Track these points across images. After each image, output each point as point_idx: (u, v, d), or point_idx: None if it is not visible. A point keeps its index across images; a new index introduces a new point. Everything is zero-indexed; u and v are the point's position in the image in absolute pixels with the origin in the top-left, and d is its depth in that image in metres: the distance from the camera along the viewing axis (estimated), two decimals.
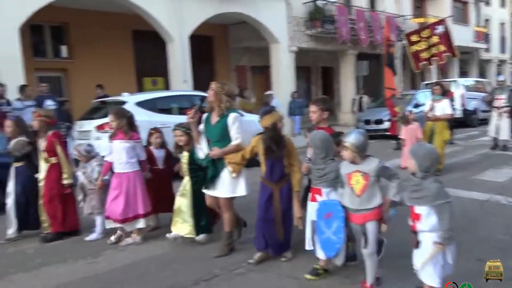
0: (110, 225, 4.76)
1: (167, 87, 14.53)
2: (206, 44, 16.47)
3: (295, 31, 16.11)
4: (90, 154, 5.04)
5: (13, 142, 5.07)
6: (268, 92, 14.01)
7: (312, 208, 3.68)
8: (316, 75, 21.72)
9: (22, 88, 8.77)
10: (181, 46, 12.66)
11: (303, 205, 3.94)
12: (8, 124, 5.16)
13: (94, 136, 7.63)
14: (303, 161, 4.06)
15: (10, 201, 5.11)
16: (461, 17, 25.77)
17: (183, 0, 12.47)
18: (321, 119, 4.10)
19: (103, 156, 5.04)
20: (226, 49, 17.55)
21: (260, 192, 4.04)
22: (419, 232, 2.91)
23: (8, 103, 8.59)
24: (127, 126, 4.69)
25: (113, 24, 13.52)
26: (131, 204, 4.67)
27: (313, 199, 3.70)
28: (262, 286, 3.63)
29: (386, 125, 13.65)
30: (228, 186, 4.14)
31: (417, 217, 2.90)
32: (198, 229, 4.57)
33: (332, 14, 16.56)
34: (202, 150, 4.29)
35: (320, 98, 4.50)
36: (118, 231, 4.85)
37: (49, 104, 9.09)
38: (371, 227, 3.28)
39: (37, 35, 12.77)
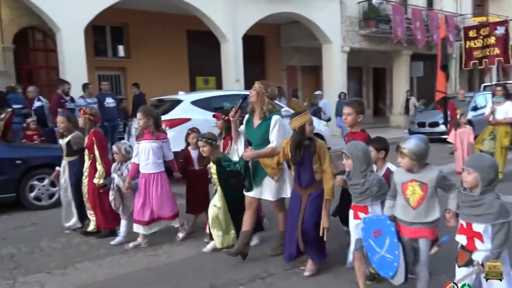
0: (138, 229, 4.66)
1: (218, 86, 14.82)
2: (258, 44, 16.60)
3: (348, 31, 15.89)
4: (128, 155, 4.88)
5: (72, 136, 5.13)
6: (316, 92, 13.90)
7: (355, 226, 3.42)
8: (368, 76, 21.32)
9: (85, 86, 9.24)
10: (234, 46, 12.85)
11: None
12: (60, 119, 5.20)
13: None
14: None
15: (67, 194, 5.23)
16: None
17: (238, 1, 12.65)
18: (356, 122, 3.89)
19: None
20: (277, 49, 17.60)
21: (291, 197, 3.92)
22: (476, 251, 2.69)
23: (72, 100, 9.10)
24: (153, 126, 4.61)
25: (169, 24, 13.94)
26: (156, 206, 4.61)
27: (356, 217, 3.44)
28: (318, 287, 3.64)
29: (442, 128, 13.18)
30: (273, 188, 4.03)
31: (475, 234, 2.68)
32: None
33: (387, 13, 16.18)
34: (238, 151, 4.16)
35: (355, 100, 4.26)
36: (138, 238, 4.76)
37: (109, 101, 9.52)
38: (424, 245, 3.02)
39: (99, 35, 13.41)
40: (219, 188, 4.44)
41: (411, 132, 14.59)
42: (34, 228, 5.54)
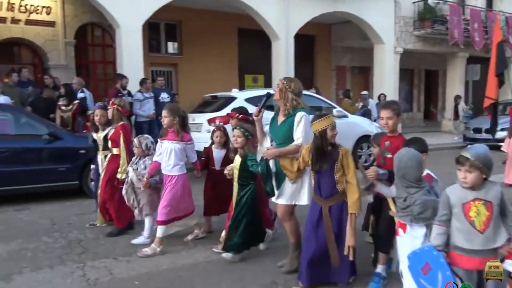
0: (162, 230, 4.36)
1: (266, 84, 14.85)
2: (308, 43, 16.50)
3: (402, 31, 15.49)
4: (148, 151, 4.68)
5: (110, 129, 4.96)
6: (363, 93, 13.51)
7: (399, 243, 3.12)
8: (419, 78, 20.72)
9: (143, 81, 9.51)
10: (286, 45, 12.81)
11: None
12: (99, 113, 5.07)
13: (205, 128, 8.01)
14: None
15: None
16: None
17: (290, 0, 12.61)
18: (396, 126, 3.50)
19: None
20: (327, 49, 17.43)
21: (310, 208, 3.55)
22: None
23: (129, 94, 9.39)
24: (179, 126, 4.30)
25: (221, 22, 14.13)
26: (174, 207, 4.33)
27: (396, 233, 3.15)
28: None
29: (500, 134, 12.58)
30: (289, 192, 3.70)
31: None
32: (229, 245, 4.09)
33: (444, 14, 15.63)
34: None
35: (392, 101, 3.88)
36: (195, 230, 4.69)
37: (164, 96, 9.74)
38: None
39: (153, 32, 13.76)
40: (236, 184, 4.16)
41: (466, 139, 14.04)
42: (96, 215, 5.74)
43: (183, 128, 4.35)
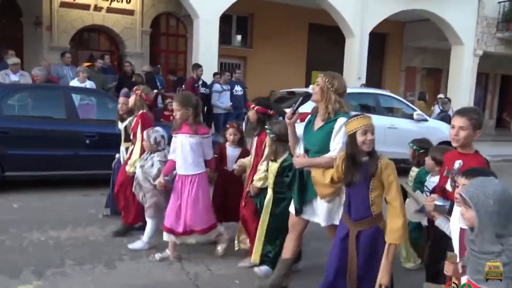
0: (169, 238, 3.86)
1: None
2: (379, 41, 15.90)
3: (483, 33, 14.59)
4: (158, 146, 4.13)
5: (129, 120, 4.63)
6: (440, 96, 12.76)
7: None
8: (495, 83, 19.53)
9: (222, 73, 9.52)
10: (360, 42, 12.42)
11: None
12: (122, 100, 4.77)
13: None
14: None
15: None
16: None
17: None
18: (470, 141, 2.69)
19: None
20: (399, 48, 16.80)
21: (338, 229, 2.93)
22: None
23: (205, 84, 9.39)
24: (192, 118, 3.78)
25: (292, 16, 13.92)
26: (193, 215, 3.77)
27: None
28: None
29: None
30: (324, 210, 3.10)
31: None
32: (267, 259, 3.65)
33: None
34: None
35: (473, 108, 2.94)
36: (168, 249, 3.97)
37: (237, 89, 9.69)
38: None
39: (225, 24, 13.77)
40: (270, 191, 3.63)
41: None
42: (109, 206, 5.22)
43: (197, 120, 3.84)
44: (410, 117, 8.66)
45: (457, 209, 2.25)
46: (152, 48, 12.96)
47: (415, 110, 9.00)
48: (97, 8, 11.72)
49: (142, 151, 4.21)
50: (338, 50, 13.09)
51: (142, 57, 12.41)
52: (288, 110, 3.25)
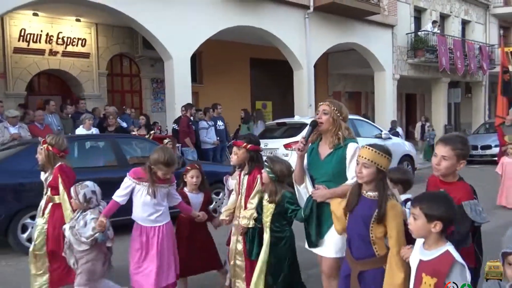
0: None
1: (274, 111, 16.02)
2: None
3: (398, 59, 17.02)
4: (88, 203, 3.44)
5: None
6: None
7: None
8: (401, 101, 22.43)
9: (207, 110, 9.95)
10: (307, 73, 13.75)
11: None
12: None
13: (282, 153, 8.56)
14: None
15: None
16: None
17: (310, 33, 13.57)
18: (454, 171, 2.52)
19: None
20: (325, 75, 18.66)
21: (342, 265, 2.78)
22: None
23: (196, 123, 9.72)
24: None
25: (235, 53, 14.90)
26: (164, 268, 3.36)
27: None
28: None
29: (495, 151, 13.99)
30: (337, 241, 2.95)
31: None
32: None
33: (433, 44, 17.37)
34: (303, 195, 3.18)
35: (457, 137, 2.60)
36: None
37: (220, 124, 10.22)
38: None
39: None
40: (266, 235, 3.29)
41: None
42: None
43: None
44: (379, 136, 9.99)
45: (419, 241, 2.24)
46: (108, 89, 12.84)
47: (382, 131, 10.38)
48: (52, 53, 11.38)
49: (71, 204, 3.52)
50: (275, 81, 14.33)
51: (100, 99, 12.25)
52: (294, 140, 3.21)
